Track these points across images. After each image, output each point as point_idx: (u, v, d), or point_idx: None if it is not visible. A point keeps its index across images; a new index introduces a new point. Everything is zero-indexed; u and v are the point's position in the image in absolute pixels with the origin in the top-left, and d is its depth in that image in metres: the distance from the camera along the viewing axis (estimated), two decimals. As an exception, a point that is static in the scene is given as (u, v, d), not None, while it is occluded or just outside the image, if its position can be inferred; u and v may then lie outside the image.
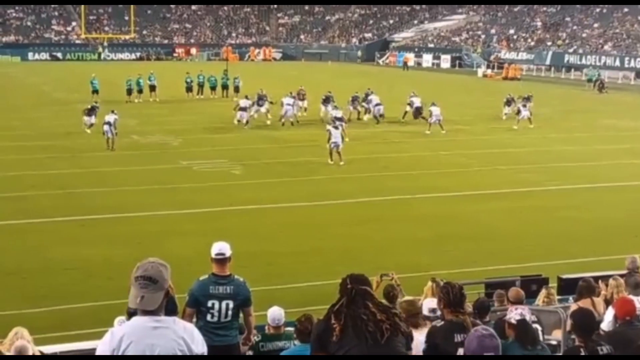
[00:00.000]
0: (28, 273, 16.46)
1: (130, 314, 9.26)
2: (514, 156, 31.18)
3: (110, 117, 31.25)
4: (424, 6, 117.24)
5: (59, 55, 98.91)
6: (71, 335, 12.91)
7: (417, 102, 38.97)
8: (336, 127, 29.45)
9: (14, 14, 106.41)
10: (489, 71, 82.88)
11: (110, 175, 26.72)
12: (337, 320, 5.24)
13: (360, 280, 5.55)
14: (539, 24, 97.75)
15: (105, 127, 30.88)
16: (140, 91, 49.50)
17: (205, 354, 4.68)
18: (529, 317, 7.58)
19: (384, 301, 8.00)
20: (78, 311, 14.22)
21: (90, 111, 35.20)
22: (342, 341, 5.17)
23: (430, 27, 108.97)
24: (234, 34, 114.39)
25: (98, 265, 16.90)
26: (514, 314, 7.48)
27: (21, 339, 8.55)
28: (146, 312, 4.51)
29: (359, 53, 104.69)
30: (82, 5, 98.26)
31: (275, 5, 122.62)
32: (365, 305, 5.30)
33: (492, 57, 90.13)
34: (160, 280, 4.51)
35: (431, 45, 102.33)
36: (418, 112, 39.49)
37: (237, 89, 50.93)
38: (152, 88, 50.68)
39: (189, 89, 52.03)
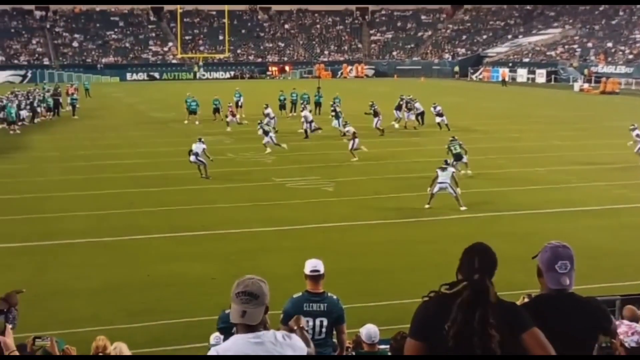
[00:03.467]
0: (128, 288, 16.82)
1: (220, 329, 9.35)
2: (612, 172, 30.41)
3: (197, 147, 29.71)
4: (518, 20, 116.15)
5: (156, 75, 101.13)
6: (168, 351, 13.14)
7: None
8: (443, 169, 24.37)
9: (113, 36, 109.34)
10: (585, 85, 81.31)
11: (205, 192, 27.14)
12: (456, 319, 4.48)
13: (490, 264, 4.69)
14: (639, 36, 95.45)
15: (192, 158, 29.49)
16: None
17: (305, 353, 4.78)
18: None
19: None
20: (175, 327, 14.43)
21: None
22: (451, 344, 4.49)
23: (524, 42, 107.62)
24: (326, 52, 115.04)
25: (194, 281, 17.15)
26: (630, 339, 7.08)
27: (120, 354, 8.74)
28: (247, 328, 4.56)
29: (456, 68, 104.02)
30: (178, 26, 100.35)
31: (367, 22, 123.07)
32: (482, 316, 4.47)
33: (585, 71, 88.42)
34: (261, 295, 4.56)
35: (526, 60, 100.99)
36: None
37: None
38: (237, 104, 51.76)
39: (282, 106, 52.47)
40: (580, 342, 4.89)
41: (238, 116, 46.41)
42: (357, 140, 33.71)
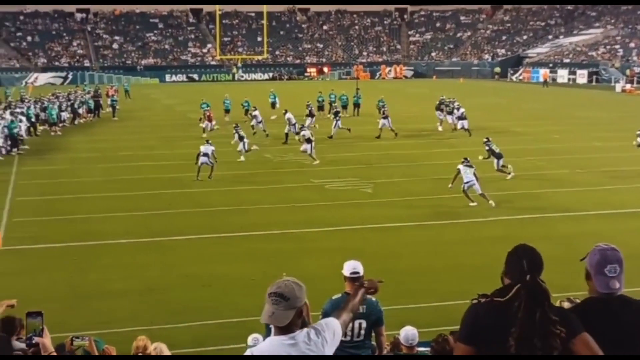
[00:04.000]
0: (168, 289, 16.90)
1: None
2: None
3: (207, 149, 29.75)
4: (559, 20, 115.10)
5: (195, 76, 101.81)
6: (207, 351, 13.18)
7: None
8: (470, 165, 24.91)
9: (152, 38, 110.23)
10: (627, 86, 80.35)
11: (244, 193, 27.22)
12: (519, 325, 4.44)
13: (538, 264, 4.66)
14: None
15: (203, 159, 29.40)
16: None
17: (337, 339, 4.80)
18: None
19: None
20: (214, 327, 14.47)
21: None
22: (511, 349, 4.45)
23: (565, 42, 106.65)
24: (365, 53, 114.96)
25: (233, 282, 17.19)
26: None
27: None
28: (280, 329, 4.57)
29: (497, 69, 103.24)
30: (217, 28, 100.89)
31: (406, 23, 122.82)
32: (542, 315, 4.46)
33: (627, 71, 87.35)
34: (291, 298, 4.55)
35: (567, 61, 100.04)
36: None
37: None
38: (273, 105, 52.60)
39: (320, 107, 52.48)
40: (632, 345, 4.80)
41: (215, 122, 44.22)
42: (312, 145, 33.27)
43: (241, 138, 34.65)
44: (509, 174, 28.99)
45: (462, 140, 40.09)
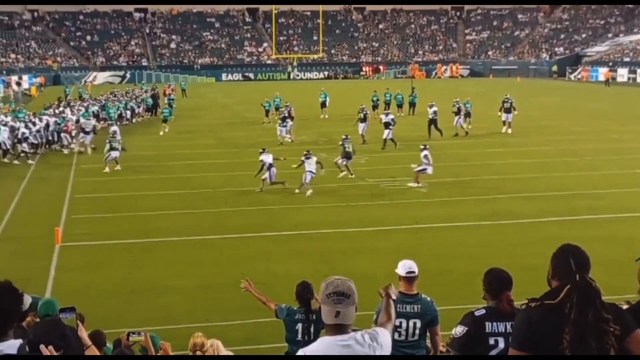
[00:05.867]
0: (223, 286, 17.01)
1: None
2: None
3: (268, 158, 27.33)
4: (618, 19, 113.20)
5: (251, 75, 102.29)
6: (261, 349, 13.25)
7: None
8: (308, 157, 26.92)
9: (209, 37, 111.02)
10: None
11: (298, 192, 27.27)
12: (572, 326, 4.40)
13: (586, 262, 4.68)
14: None
15: (274, 170, 27.22)
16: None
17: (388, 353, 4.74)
18: None
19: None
20: (268, 325, 14.51)
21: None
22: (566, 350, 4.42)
23: (625, 41, 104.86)
24: (420, 52, 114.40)
25: (287, 281, 17.19)
26: None
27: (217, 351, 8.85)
28: (338, 328, 4.56)
29: (555, 68, 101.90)
30: (273, 27, 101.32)
31: (463, 21, 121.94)
32: (595, 314, 4.43)
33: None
34: (352, 294, 4.56)
35: (626, 59, 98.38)
36: None
37: (469, 115, 44.53)
38: (323, 105, 52.52)
39: (375, 107, 52.30)
40: None
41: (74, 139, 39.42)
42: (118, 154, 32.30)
43: (113, 149, 32.65)
44: (343, 171, 29.60)
45: (517, 140, 39.68)
